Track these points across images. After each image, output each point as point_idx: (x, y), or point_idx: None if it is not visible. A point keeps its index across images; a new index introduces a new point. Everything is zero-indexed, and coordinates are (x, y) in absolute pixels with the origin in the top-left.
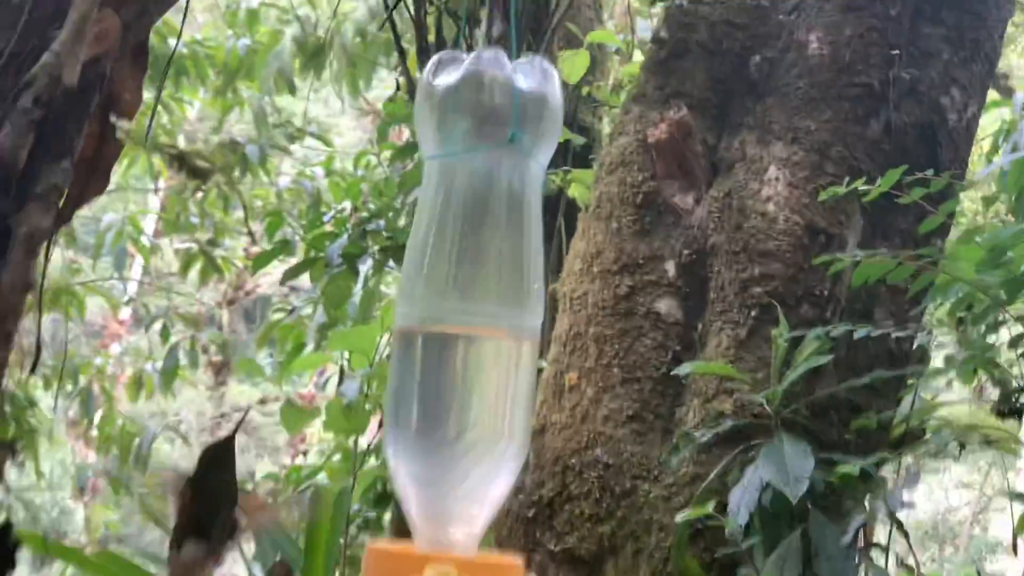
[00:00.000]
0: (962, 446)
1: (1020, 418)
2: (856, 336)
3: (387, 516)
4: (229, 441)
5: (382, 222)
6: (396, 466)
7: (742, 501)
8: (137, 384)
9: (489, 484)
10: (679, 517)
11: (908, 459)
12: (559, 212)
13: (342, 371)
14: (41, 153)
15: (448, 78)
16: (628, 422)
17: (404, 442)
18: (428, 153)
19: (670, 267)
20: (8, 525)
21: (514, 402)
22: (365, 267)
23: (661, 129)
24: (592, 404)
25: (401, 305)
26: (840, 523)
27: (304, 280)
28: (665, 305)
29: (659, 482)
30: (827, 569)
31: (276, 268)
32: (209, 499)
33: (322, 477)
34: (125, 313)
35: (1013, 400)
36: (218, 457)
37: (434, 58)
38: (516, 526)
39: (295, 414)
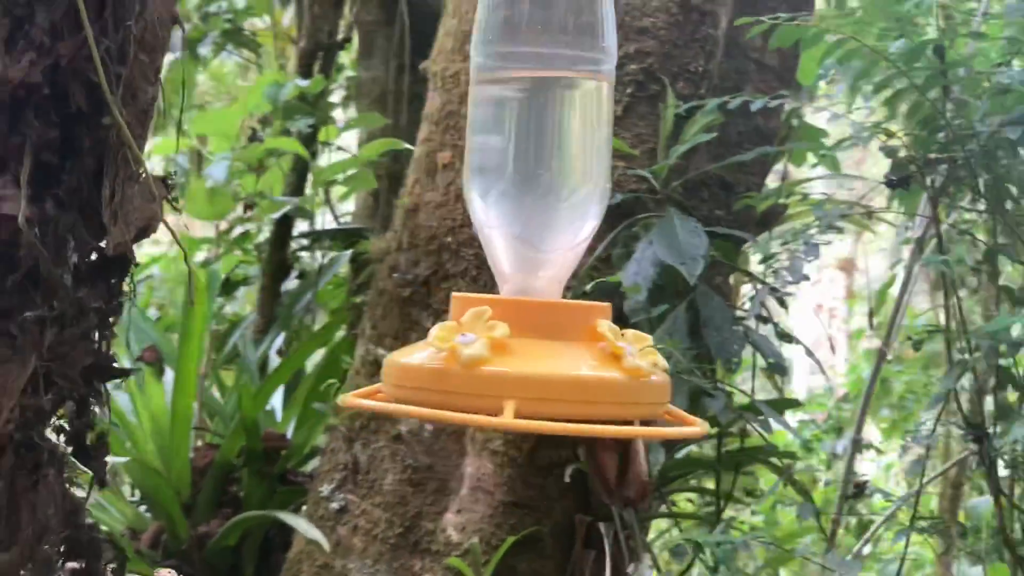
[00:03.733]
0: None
1: (908, 188)
2: (731, 106)
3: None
4: None
5: (223, 3)
6: (484, 215)
7: (638, 276)
8: None
9: (579, 228)
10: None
11: (808, 232)
12: None
13: (199, 155)
14: None
15: None
16: None
17: (495, 189)
18: None
19: None
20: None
21: (602, 144)
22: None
23: None
24: None
25: (478, 52)
26: (722, 295)
27: None
28: None
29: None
30: (715, 339)
31: None
32: None
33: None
34: None
35: (903, 171)
36: None
37: None
38: (391, 305)
39: None
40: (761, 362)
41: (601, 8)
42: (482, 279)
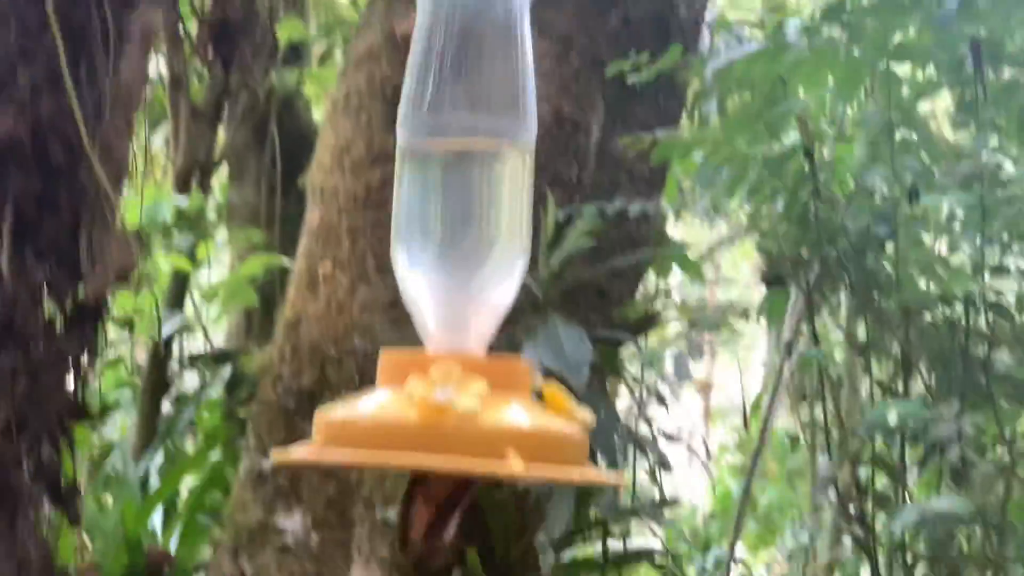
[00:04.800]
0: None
1: (784, 286)
2: (609, 212)
3: None
4: None
5: None
6: (412, 279)
7: None
8: None
9: (501, 288)
10: None
11: (693, 335)
12: (271, 117)
13: None
14: None
15: None
16: (385, 310)
17: (422, 256)
18: None
19: None
20: None
21: (525, 210)
22: None
23: (409, 22)
24: (347, 294)
25: (405, 127)
26: (603, 399)
27: None
28: None
29: None
30: (599, 441)
31: None
32: None
33: None
34: None
35: (777, 269)
36: None
37: None
38: (276, 417)
39: None
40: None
41: (524, 81)
42: (364, 388)
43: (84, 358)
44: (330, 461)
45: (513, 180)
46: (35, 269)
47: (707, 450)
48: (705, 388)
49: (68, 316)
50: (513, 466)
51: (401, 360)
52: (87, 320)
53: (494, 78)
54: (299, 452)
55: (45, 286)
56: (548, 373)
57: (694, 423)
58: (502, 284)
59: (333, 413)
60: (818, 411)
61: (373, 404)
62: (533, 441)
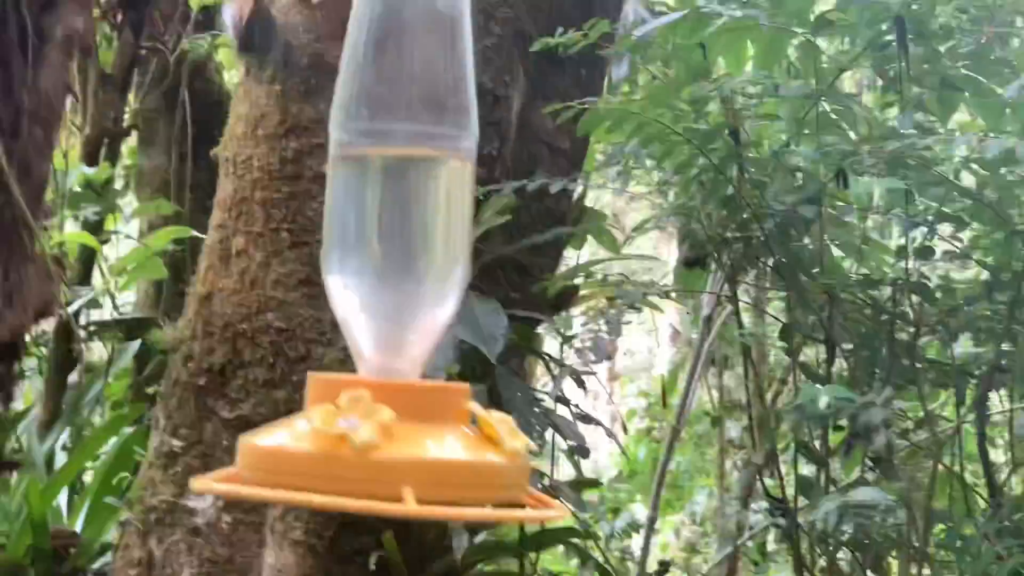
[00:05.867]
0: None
1: (704, 268)
2: (529, 189)
3: None
4: None
5: None
6: (342, 295)
7: (439, 359)
8: None
9: (439, 310)
10: None
11: (611, 312)
12: (182, 82)
13: None
14: None
15: None
16: (299, 286)
17: (355, 270)
18: None
19: None
20: None
21: (462, 223)
22: None
23: None
24: (261, 269)
25: (338, 129)
26: (519, 378)
27: None
28: None
29: (334, 345)
30: (520, 423)
31: None
32: None
33: None
34: None
35: (699, 250)
36: None
37: None
38: (186, 395)
39: None
40: (561, 443)
41: (465, 85)
42: (278, 366)
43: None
44: (245, 495)
45: (454, 190)
46: None
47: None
48: (611, 350)
49: None
50: (407, 506)
51: (328, 384)
52: (3, 357)
53: (434, 79)
54: (218, 486)
55: None
56: (464, 346)
57: (600, 386)
58: (440, 305)
59: (252, 439)
60: (728, 381)
61: (284, 433)
62: (438, 474)
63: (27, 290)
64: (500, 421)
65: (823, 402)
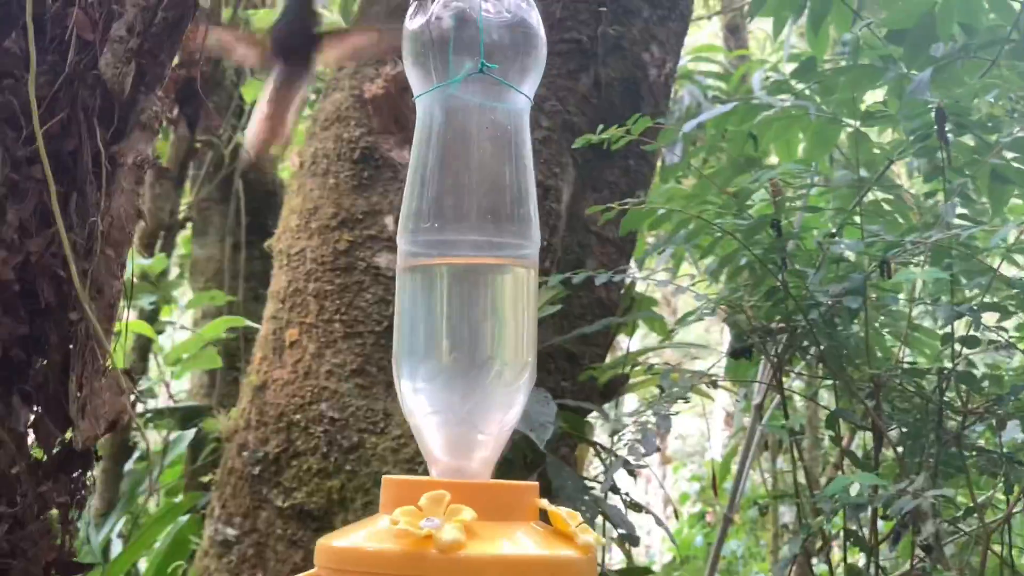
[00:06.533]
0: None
1: (750, 358)
2: (575, 281)
3: None
4: None
5: None
6: (414, 400)
7: None
8: None
9: (508, 409)
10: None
11: (657, 404)
12: (236, 173)
13: None
14: (139, 81)
15: (418, 19)
16: (352, 376)
17: (426, 376)
18: (415, 93)
19: (389, 221)
20: None
21: (528, 326)
22: None
23: (378, 84)
24: (315, 359)
25: (406, 243)
26: (569, 466)
27: None
28: (385, 259)
29: (386, 434)
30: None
31: None
32: None
33: None
34: None
35: (745, 341)
36: None
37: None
38: (241, 484)
39: None
40: (611, 530)
41: (527, 196)
42: (332, 455)
43: (72, 507)
44: None
45: (519, 295)
46: (21, 413)
47: (669, 501)
48: (662, 437)
49: (55, 462)
50: None
51: (405, 485)
52: (75, 468)
53: (498, 191)
54: None
55: (32, 431)
56: (515, 435)
57: (652, 470)
58: (510, 406)
59: (330, 541)
60: (782, 465)
61: (364, 533)
62: (519, 570)
63: (99, 402)
64: (570, 515)
65: (854, 490)
